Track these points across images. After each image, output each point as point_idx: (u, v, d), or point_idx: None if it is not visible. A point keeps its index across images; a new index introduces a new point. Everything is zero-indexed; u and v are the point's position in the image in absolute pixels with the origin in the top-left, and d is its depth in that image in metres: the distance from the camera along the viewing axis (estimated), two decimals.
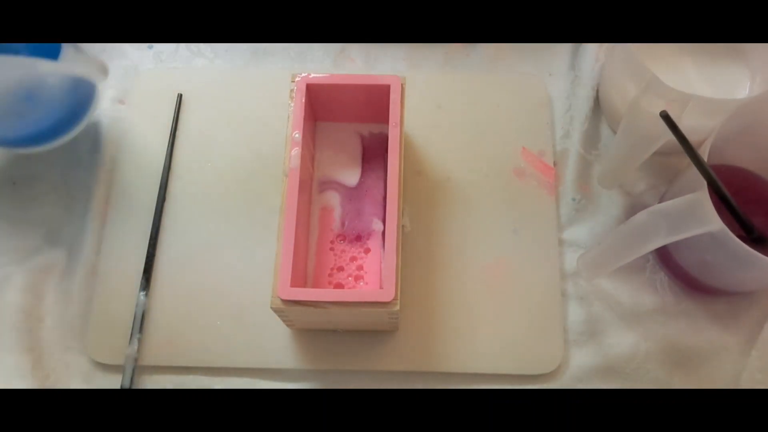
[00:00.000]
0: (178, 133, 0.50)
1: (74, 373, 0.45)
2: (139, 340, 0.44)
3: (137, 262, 0.46)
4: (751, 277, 0.42)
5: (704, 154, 0.37)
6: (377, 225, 0.46)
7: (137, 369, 0.44)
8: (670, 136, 0.37)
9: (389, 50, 0.54)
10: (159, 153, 0.50)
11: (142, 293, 0.45)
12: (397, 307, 0.38)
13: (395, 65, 0.53)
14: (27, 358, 0.44)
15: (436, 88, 0.52)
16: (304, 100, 0.43)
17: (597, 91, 0.52)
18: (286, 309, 0.39)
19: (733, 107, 0.39)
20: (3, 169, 0.50)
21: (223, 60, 0.54)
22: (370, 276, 0.45)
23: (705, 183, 0.36)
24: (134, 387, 0.44)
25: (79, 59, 0.43)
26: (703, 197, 0.36)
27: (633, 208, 0.48)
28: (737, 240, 0.35)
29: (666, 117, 0.36)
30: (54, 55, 0.42)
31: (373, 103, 0.45)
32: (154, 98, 0.52)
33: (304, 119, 0.43)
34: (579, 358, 0.45)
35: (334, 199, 0.47)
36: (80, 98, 0.47)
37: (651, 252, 0.47)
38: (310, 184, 0.46)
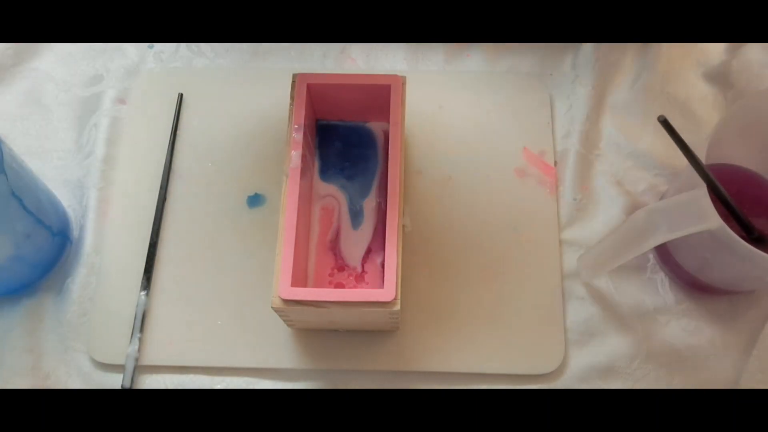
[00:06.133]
0: (178, 132, 0.50)
1: (74, 372, 0.45)
2: (140, 340, 0.44)
3: (138, 261, 0.46)
4: (750, 275, 0.42)
5: (703, 153, 0.37)
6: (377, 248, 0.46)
7: (138, 368, 0.44)
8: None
9: (390, 50, 0.54)
10: (160, 153, 0.50)
11: (142, 293, 0.45)
12: (398, 307, 0.38)
13: (395, 65, 0.53)
14: (27, 358, 0.44)
15: (436, 87, 0.52)
16: (304, 100, 0.43)
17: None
18: (287, 309, 0.39)
19: None
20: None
21: (224, 60, 0.54)
22: (371, 276, 0.45)
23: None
24: (135, 386, 0.44)
25: None
26: (701, 195, 0.36)
27: (634, 207, 0.48)
28: (736, 237, 0.35)
29: (664, 122, 0.36)
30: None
31: (373, 103, 0.45)
32: (155, 98, 0.51)
33: (305, 119, 0.43)
34: (579, 358, 0.45)
35: (334, 198, 0.47)
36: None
37: (651, 252, 0.47)
38: (311, 184, 0.46)
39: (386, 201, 0.41)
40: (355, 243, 0.46)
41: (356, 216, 0.47)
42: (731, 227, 0.36)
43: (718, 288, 0.45)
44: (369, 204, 0.47)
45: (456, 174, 0.49)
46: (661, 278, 0.47)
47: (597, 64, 0.52)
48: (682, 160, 0.37)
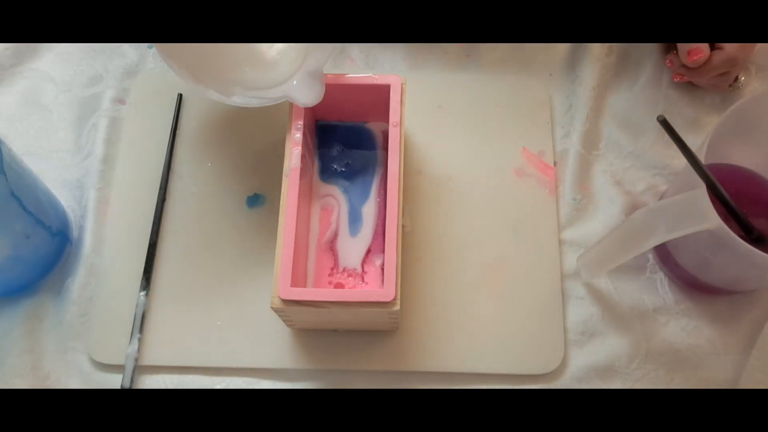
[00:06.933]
0: (178, 132, 0.50)
1: (74, 372, 0.45)
2: (140, 340, 0.44)
3: (138, 261, 0.46)
4: (750, 275, 0.42)
5: (702, 153, 0.37)
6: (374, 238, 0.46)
7: (137, 369, 0.44)
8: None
9: (389, 50, 0.54)
10: (159, 153, 0.50)
11: (142, 293, 0.45)
12: (398, 307, 0.38)
13: (395, 65, 0.53)
14: (27, 359, 0.44)
15: (436, 88, 0.52)
16: None
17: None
18: (287, 309, 0.39)
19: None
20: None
21: None
22: (371, 276, 0.45)
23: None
24: (134, 387, 0.44)
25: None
26: (700, 195, 0.36)
27: (633, 207, 0.48)
28: (735, 236, 0.35)
29: (664, 122, 0.36)
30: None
31: (373, 103, 0.45)
32: (155, 98, 0.51)
33: (305, 119, 0.43)
34: (579, 358, 0.45)
35: (334, 199, 0.47)
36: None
37: (651, 251, 0.47)
38: (311, 184, 0.46)
39: (386, 201, 0.41)
40: (354, 243, 0.46)
41: (356, 216, 0.47)
42: (731, 227, 0.36)
43: (718, 288, 0.45)
44: (369, 204, 0.47)
45: (456, 174, 0.49)
46: (661, 278, 0.47)
47: (597, 64, 0.52)
48: (682, 160, 0.37)
